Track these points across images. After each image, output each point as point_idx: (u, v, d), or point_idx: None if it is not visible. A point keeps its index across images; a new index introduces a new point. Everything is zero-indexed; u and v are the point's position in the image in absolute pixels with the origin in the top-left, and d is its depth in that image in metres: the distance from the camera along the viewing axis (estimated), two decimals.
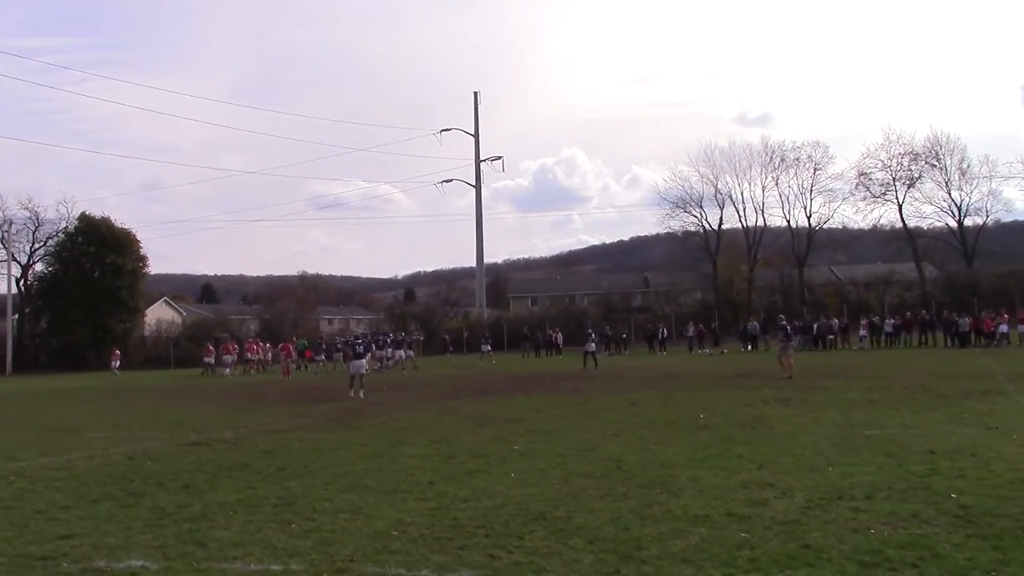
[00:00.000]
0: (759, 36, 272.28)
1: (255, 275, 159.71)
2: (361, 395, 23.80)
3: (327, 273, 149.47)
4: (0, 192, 70.96)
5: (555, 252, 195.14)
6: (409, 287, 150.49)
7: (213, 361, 46.41)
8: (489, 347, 50.10)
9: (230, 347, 46.78)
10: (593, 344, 37.90)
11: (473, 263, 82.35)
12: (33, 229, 67.32)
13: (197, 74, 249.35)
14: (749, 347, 46.46)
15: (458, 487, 9.44)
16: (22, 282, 67.63)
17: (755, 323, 48.59)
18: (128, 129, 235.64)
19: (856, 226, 71.91)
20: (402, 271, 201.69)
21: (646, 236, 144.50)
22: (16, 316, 65.79)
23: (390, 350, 42.03)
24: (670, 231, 73.09)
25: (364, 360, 25.08)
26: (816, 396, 18.84)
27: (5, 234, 64.28)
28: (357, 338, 30.17)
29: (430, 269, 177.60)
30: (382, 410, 19.87)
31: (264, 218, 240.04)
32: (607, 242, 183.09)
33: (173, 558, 6.91)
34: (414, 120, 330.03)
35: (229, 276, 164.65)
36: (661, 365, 36.40)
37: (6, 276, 65.09)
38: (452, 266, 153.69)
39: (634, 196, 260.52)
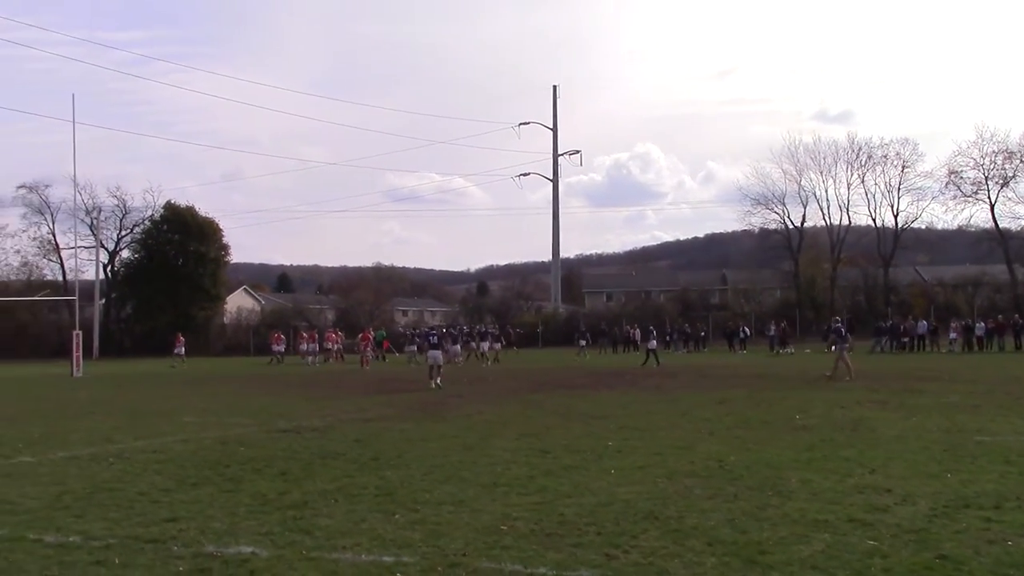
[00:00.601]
0: (841, 31, 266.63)
1: (330, 265, 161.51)
2: (439, 383, 23.83)
3: (401, 265, 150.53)
4: (89, 180, 71.77)
5: (628, 248, 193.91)
6: (482, 280, 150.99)
7: (283, 349, 46.95)
8: (584, 342, 48.80)
9: (313, 336, 47.22)
10: (655, 342, 37.89)
11: (545, 257, 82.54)
12: (120, 216, 69.14)
13: (277, 68, 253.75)
14: (833, 348, 45.32)
15: (559, 482, 9.23)
16: (108, 268, 69.44)
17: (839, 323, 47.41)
18: (210, 121, 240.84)
19: (942, 226, 69.96)
20: (475, 264, 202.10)
21: (722, 233, 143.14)
22: (103, 301, 67.56)
23: (458, 346, 42.05)
24: (750, 228, 72.26)
25: (440, 351, 25.10)
26: (914, 400, 18.20)
27: (94, 220, 66.03)
28: (432, 329, 30.38)
29: (502, 263, 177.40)
30: (465, 402, 19.79)
31: (341, 209, 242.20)
32: (681, 239, 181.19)
33: (282, 546, 6.82)
34: (487, 114, 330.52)
35: (304, 266, 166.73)
36: (743, 364, 35.76)
37: (94, 262, 66.87)
38: (524, 260, 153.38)
39: (709, 192, 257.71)
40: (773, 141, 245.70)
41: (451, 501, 8.39)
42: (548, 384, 25.33)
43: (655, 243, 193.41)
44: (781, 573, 5.80)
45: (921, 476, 9.25)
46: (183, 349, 47.18)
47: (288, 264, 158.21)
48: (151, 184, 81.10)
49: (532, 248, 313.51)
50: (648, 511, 7.70)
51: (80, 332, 36.54)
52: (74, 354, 35.34)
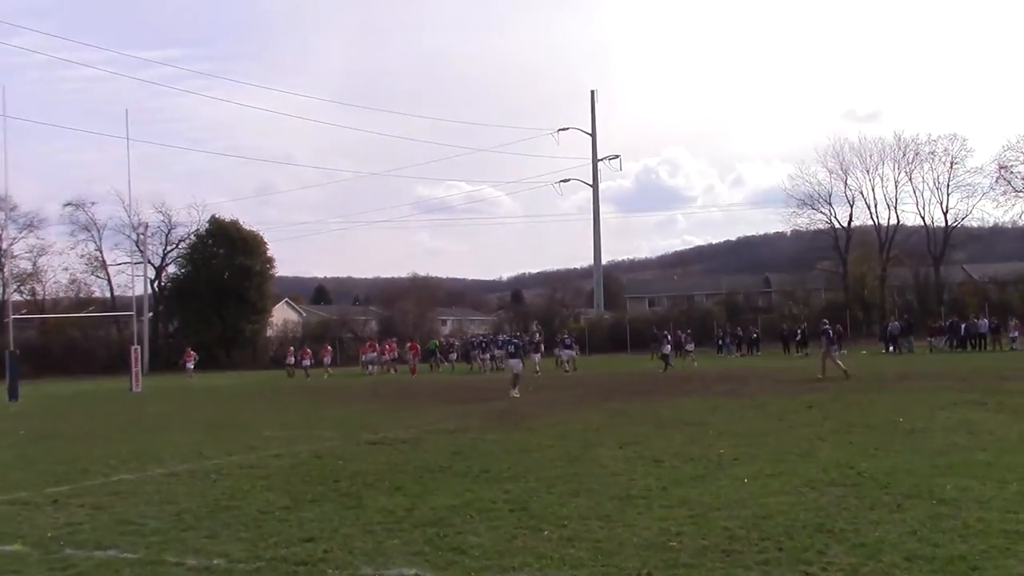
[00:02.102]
0: (868, 29, 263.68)
1: (363, 277, 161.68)
2: (516, 394, 23.49)
3: (433, 275, 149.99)
4: (134, 197, 72.46)
5: (659, 253, 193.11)
6: (516, 288, 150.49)
7: (309, 363, 46.21)
8: (692, 344, 44.91)
9: (375, 345, 47.21)
10: (668, 346, 37.78)
11: (578, 264, 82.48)
12: (166, 232, 69.65)
13: (306, 83, 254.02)
14: (891, 348, 44.54)
15: (697, 493, 8.80)
16: (155, 284, 69.85)
17: (896, 323, 46.55)
18: (242, 137, 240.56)
19: (978, 224, 68.42)
20: (507, 273, 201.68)
21: (754, 236, 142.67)
22: (151, 315, 67.93)
23: (538, 355, 42.30)
24: (796, 228, 71.51)
25: (519, 359, 25.04)
26: (1012, 400, 17.52)
27: (141, 236, 66.43)
28: (515, 337, 30.65)
29: (534, 270, 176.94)
30: (544, 411, 19.38)
31: (373, 220, 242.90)
32: (713, 242, 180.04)
33: (442, 567, 6.45)
34: (514, 122, 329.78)
35: (339, 278, 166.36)
36: (807, 366, 34.91)
37: (142, 278, 67.29)
38: (556, 267, 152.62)
39: (739, 195, 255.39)
40: (804, 142, 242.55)
41: (595, 516, 7.98)
42: (620, 391, 24.85)
43: (687, 247, 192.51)
44: None
45: None
46: (192, 364, 45.80)
47: (323, 276, 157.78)
48: (194, 199, 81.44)
49: (564, 255, 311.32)
50: (817, 523, 7.25)
51: (138, 347, 36.59)
52: (133, 369, 35.37)
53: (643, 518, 7.79)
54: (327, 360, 46.85)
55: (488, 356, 44.03)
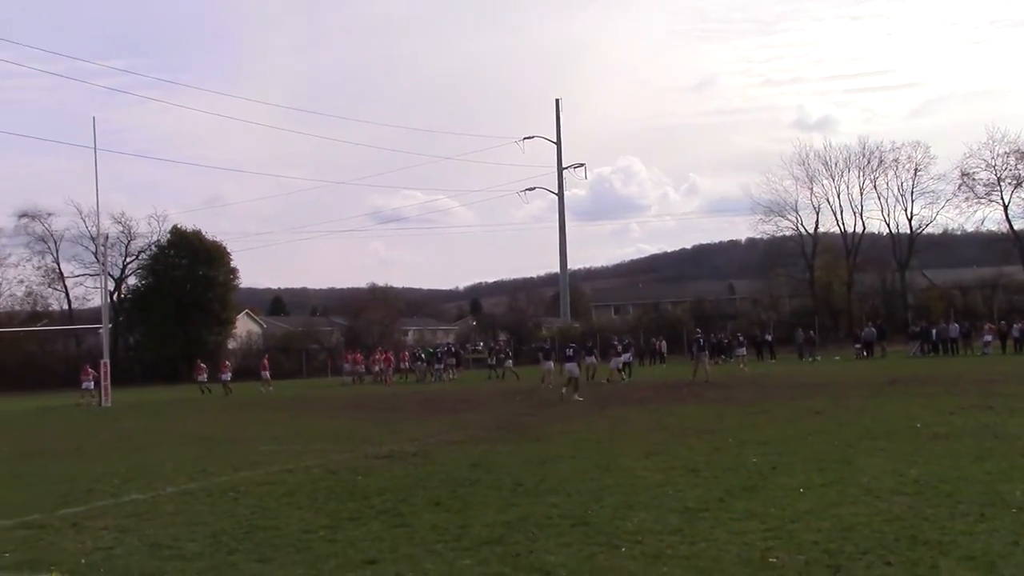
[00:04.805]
0: (817, 38, 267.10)
1: (318, 288, 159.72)
2: (578, 397, 24.59)
3: (391, 285, 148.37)
4: (92, 207, 70.94)
5: (615, 262, 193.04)
6: (474, 298, 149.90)
7: (228, 377, 44.15)
8: (744, 350, 43.45)
9: (348, 356, 46.71)
10: (629, 355, 37.04)
11: (536, 272, 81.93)
12: (126, 243, 68.18)
13: (256, 89, 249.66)
14: (865, 353, 44.81)
15: (759, 505, 8.47)
16: (115, 296, 68.31)
17: (872, 329, 46.80)
18: (190, 147, 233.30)
19: (935, 230, 69.22)
20: (463, 282, 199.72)
21: (709, 244, 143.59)
22: (110, 328, 66.45)
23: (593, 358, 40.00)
24: (752, 237, 72.19)
25: (576, 363, 26.62)
26: (1017, 404, 17.49)
27: (101, 247, 64.86)
28: (572, 343, 32.40)
29: (491, 279, 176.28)
30: (544, 421, 19.00)
31: (327, 231, 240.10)
32: (668, 251, 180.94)
33: None
34: (467, 130, 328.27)
35: (293, 288, 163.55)
36: (788, 373, 34.91)
37: (100, 290, 65.74)
38: (513, 276, 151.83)
39: (692, 204, 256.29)
40: (754, 151, 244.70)
41: (664, 530, 7.62)
42: (612, 399, 24.52)
43: (641, 256, 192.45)
44: None
45: None
46: (92, 383, 39.00)
47: (276, 287, 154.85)
48: (154, 210, 79.58)
49: (521, 264, 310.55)
50: (908, 535, 6.94)
51: (107, 361, 35.49)
52: (103, 383, 34.44)
53: (718, 532, 7.44)
54: (265, 374, 44.88)
55: (442, 366, 44.53)
